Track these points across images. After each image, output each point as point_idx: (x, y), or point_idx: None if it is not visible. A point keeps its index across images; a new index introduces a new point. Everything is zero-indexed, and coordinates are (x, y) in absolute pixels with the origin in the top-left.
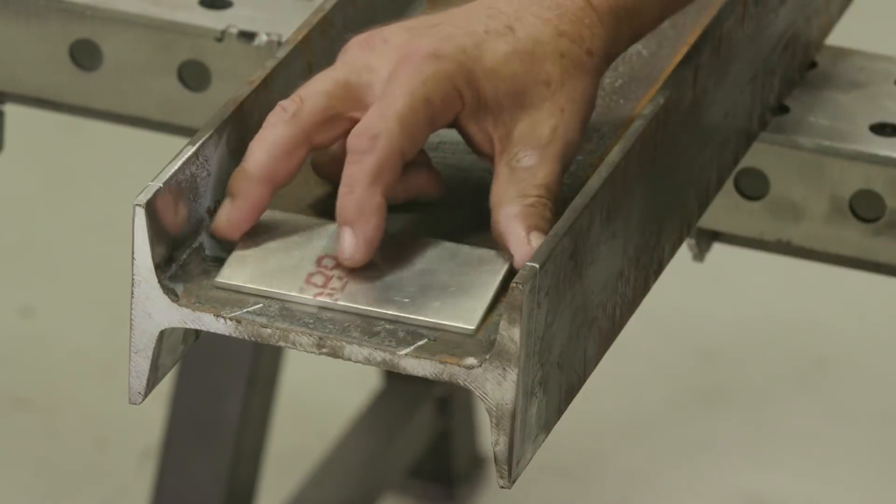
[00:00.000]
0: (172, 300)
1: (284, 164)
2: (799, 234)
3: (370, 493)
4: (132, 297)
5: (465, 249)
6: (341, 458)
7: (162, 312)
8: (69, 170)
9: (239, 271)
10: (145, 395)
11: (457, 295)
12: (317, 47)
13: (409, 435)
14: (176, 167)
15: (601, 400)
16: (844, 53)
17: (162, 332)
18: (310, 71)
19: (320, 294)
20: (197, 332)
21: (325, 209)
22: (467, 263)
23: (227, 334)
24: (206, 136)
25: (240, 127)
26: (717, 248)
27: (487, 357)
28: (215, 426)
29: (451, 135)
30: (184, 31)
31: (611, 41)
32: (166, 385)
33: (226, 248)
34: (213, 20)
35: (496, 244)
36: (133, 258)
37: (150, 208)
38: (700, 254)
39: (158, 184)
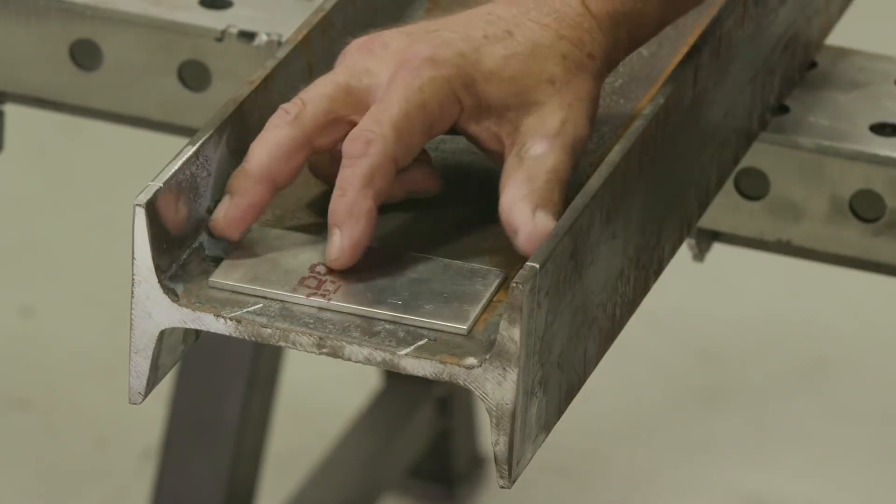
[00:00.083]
0: (172, 300)
1: (285, 166)
2: (799, 234)
3: (370, 493)
4: (132, 297)
5: (457, 264)
6: (341, 458)
7: (162, 312)
8: (69, 170)
9: (232, 273)
10: (145, 395)
11: (450, 300)
12: (317, 47)
13: (409, 435)
14: (176, 167)
15: (601, 400)
16: (844, 53)
17: (162, 332)
18: (310, 71)
19: (313, 295)
20: (197, 332)
21: (325, 210)
22: (460, 275)
23: (228, 334)
24: (206, 136)
25: (240, 127)
26: (717, 248)
27: (487, 357)
28: (215, 426)
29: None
30: (184, 31)
31: (611, 47)
32: (166, 385)
33: (226, 248)
34: (213, 20)
35: (494, 249)
36: (133, 258)
37: (151, 208)
38: (700, 254)
39: (158, 184)
